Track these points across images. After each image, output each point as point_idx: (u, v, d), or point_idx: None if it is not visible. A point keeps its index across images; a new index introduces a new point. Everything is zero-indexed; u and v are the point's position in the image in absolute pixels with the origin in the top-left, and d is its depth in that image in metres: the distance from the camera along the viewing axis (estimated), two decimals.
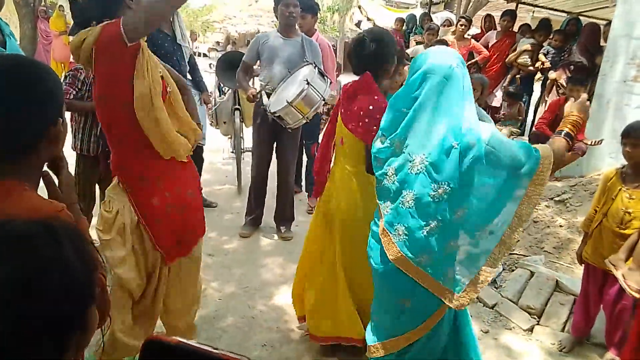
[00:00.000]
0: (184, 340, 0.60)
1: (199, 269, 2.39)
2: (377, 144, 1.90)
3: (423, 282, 1.75)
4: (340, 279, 2.51)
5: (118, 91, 1.87)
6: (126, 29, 1.78)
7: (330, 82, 3.42)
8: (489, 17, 7.71)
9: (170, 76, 2.09)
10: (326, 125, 2.79)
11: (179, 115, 2.11)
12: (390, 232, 1.78)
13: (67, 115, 3.30)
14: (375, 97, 2.34)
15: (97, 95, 1.95)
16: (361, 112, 2.34)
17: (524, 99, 6.42)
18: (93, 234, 3.46)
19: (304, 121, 3.57)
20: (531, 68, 6.47)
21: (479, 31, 8.01)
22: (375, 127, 1.99)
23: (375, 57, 2.37)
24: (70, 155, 3.38)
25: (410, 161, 1.73)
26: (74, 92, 3.14)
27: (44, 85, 1.12)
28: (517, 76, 6.61)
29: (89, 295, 0.75)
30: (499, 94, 6.69)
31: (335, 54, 5.29)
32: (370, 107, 2.31)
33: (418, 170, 1.71)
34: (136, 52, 1.85)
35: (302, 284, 2.76)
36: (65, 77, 3.26)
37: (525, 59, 6.44)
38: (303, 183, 5.19)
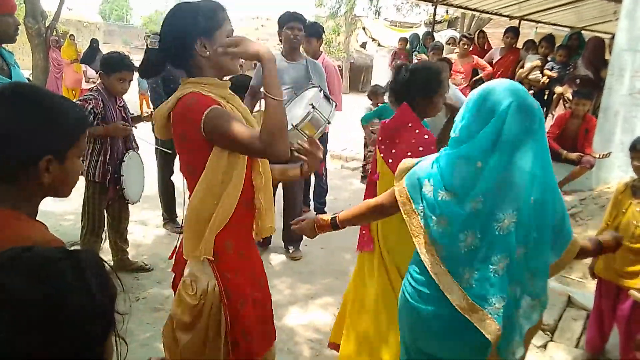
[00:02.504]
0: None
1: None
2: (445, 199, 1.52)
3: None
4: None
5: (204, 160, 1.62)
6: (206, 129, 1.54)
7: (336, 105, 3.45)
8: (482, 34, 7.87)
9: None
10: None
11: None
12: (485, 307, 1.49)
13: None
14: (417, 131, 2.28)
15: (185, 166, 1.70)
16: (403, 146, 2.26)
17: None
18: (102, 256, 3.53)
19: None
20: (542, 83, 6.50)
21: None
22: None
23: (409, 86, 2.33)
24: (82, 180, 3.45)
25: (497, 221, 1.47)
26: None
27: (37, 113, 1.09)
28: (530, 92, 6.63)
29: (109, 324, 0.77)
30: None
31: (342, 75, 5.34)
32: (413, 141, 2.25)
33: (507, 230, 1.47)
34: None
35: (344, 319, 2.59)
36: None
37: (537, 74, 6.46)
38: (311, 202, 5.21)
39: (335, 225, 1.90)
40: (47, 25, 9.37)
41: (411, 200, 1.61)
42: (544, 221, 1.51)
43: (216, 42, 1.60)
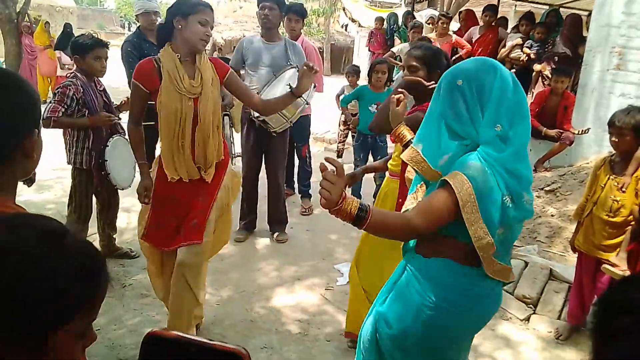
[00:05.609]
0: (182, 334, 0.63)
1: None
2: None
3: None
4: None
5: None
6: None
7: (315, 85, 3.45)
8: (467, 13, 7.86)
9: None
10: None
11: None
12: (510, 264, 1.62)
13: (59, 131, 3.30)
14: None
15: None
16: None
17: None
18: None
19: (288, 125, 3.64)
20: (522, 61, 6.52)
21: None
22: None
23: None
24: (64, 168, 3.38)
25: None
26: (63, 109, 3.07)
27: (17, 97, 1.08)
28: (512, 70, 6.65)
29: (67, 306, 0.75)
30: None
31: (322, 56, 5.33)
32: None
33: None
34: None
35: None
36: (54, 94, 3.18)
37: (518, 52, 6.49)
38: (295, 185, 5.21)
39: (360, 221, 1.44)
40: (17, 10, 9.10)
41: (478, 209, 1.40)
42: None
43: (189, 24, 2.28)
